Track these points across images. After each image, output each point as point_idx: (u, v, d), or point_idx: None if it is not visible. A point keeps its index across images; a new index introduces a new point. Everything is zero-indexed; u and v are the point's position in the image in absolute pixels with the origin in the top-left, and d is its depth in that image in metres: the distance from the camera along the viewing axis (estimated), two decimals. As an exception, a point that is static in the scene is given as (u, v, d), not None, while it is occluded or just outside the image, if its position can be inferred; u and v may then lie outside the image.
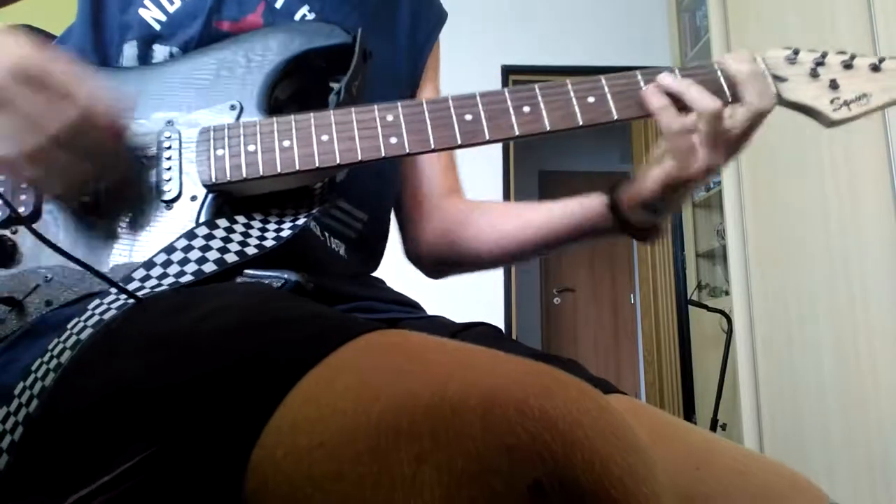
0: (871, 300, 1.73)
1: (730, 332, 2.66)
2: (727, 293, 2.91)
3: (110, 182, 0.53)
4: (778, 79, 0.62)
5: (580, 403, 0.27)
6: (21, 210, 0.54)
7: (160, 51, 0.63)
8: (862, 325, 1.76)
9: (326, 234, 0.67)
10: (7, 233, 0.54)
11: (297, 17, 0.67)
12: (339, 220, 0.69)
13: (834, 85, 0.62)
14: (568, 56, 3.61)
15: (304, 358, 0.34)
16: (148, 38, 0.63)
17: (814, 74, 0.63)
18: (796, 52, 0.64)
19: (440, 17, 0.84)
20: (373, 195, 0.72)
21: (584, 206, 0.69)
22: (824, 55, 0.63)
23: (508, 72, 3.59)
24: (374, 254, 0.76)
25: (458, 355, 0.32)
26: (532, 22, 3.66)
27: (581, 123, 0.58)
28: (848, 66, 0.62)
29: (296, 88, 0.64)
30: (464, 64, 3.50)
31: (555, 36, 3.64)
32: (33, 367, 0.42)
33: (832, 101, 0.62)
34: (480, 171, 3.64)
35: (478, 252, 0.76)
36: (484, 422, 0.26)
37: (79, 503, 0.33)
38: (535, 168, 5.11)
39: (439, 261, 0.81)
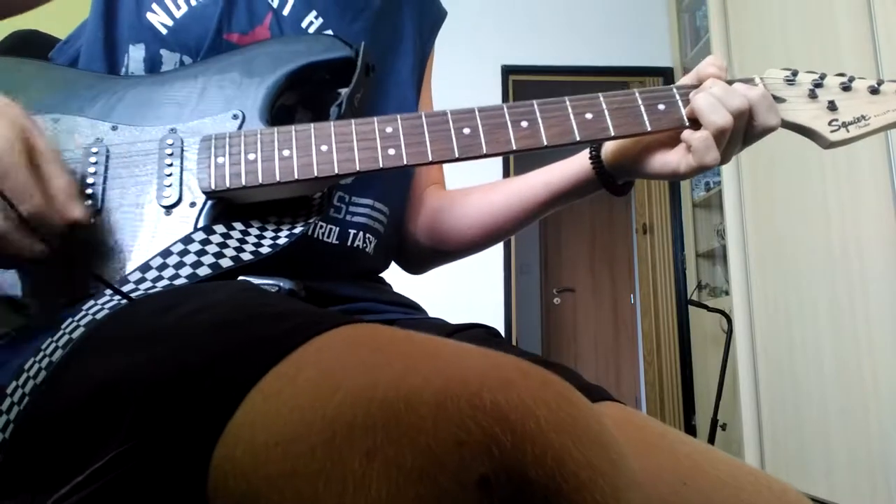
0: (871, 300, 1.73)
1: (730, 332, 2.66)
2: (727, 293, 2.91)
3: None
4: (777, 99, 0.62)
5: (538, 394, 0.26)
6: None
7: (168, 57, 0.64)
8: (862, 325, 1.76)
9: (351, 232, 0.67)
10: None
11: (305, 23, 0.67)
12: (369, 217, 0.69)
13: (832, 106, 0.62)
14: (568, 56, 3.61)
15: (267, 355, 0.33)
16: (155, 43, 0.63)
17: (812, 95, 0.62)
18: (795, 74, 0.63)
19: (440, 15, 0.84)
20: (393, 189, 0.73)
21: (563, 171, 0.72)
22: (823, 76, 0.63)
23: (508, 72, 3.60)
24: (391, 249, 0.77)
25: (423, 347, 0.32)
26: (532, 22, 3.66)
27: (578, 139, 0.58)
28: (847, 87, 0.62)
29: (301, 97, 0.65)
30: (464, 64, 3.50)
31: (555, 36, 3.64)
32: (26, 367, 0.42)
33: (830, 123, 0.61)
34: (480, 172, 3.64)
35: (463, 233, 0.77)
36: (436, 416, 0.25)
37: (60, 500, 0.33)
38: (534, 168, 5.11)
39: (428, 250, 0.80)
